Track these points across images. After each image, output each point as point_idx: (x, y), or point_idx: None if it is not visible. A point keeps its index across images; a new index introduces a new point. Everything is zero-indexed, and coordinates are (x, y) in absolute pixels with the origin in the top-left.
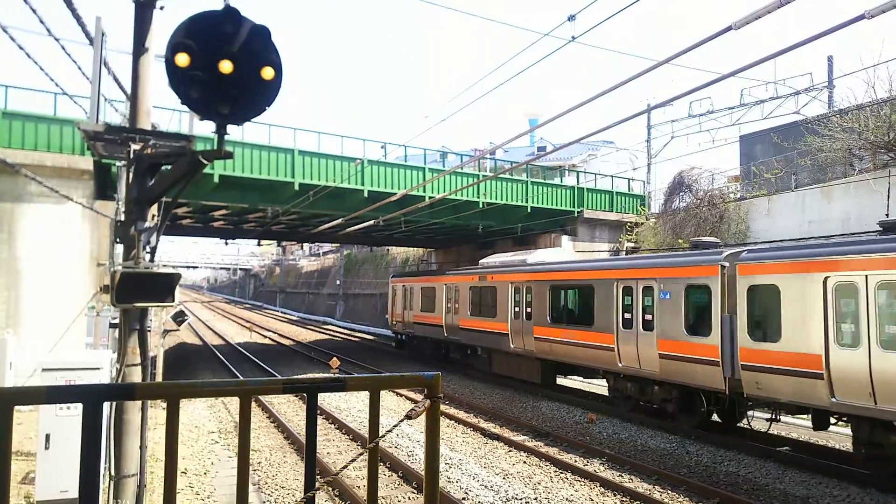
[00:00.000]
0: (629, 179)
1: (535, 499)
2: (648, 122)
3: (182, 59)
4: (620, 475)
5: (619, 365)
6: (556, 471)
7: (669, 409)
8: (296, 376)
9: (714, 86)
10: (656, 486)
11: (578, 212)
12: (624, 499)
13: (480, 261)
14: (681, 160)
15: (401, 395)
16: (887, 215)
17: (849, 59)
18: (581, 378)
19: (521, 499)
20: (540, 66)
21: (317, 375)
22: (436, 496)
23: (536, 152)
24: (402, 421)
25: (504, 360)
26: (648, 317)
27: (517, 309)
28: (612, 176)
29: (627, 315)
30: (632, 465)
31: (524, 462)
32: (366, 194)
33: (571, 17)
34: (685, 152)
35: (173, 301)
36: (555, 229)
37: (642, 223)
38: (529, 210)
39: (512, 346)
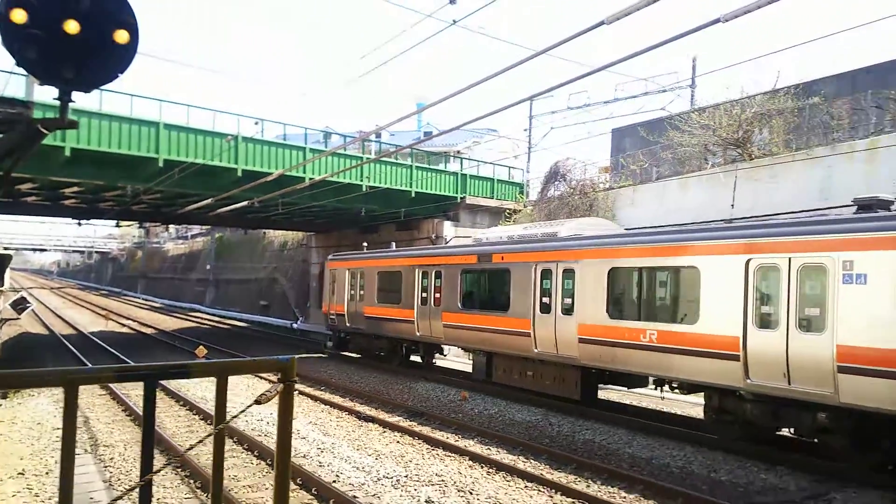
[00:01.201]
0: (509, 168)
1: (407, 475)
2: (530, 112)
3: (18, 15)
4: (489, 448)
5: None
6: (428, 448)
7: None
8: (134, 364)
9: (592, 81)
10: (520, 457)
11: (461, 198)
12: (490, 470)
13: (496, 234)
14: (558, 150)
15: (269, 381)
16: (732, 206)
17: (712, 60)
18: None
19: (392, 477)
20: (427, 51)
21: (157, 364)
22: (287, 475)
23: (423, 136)
24: (250, 406)
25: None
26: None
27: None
28: (493, 163)
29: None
30: (499, 438)
31: (397, 442)
32: (240, 173)
33: (452, 1)
34: (563, 142)
35: (1, 285)
36: (438, 215)
37: (520, 210)
38: (413, 195)
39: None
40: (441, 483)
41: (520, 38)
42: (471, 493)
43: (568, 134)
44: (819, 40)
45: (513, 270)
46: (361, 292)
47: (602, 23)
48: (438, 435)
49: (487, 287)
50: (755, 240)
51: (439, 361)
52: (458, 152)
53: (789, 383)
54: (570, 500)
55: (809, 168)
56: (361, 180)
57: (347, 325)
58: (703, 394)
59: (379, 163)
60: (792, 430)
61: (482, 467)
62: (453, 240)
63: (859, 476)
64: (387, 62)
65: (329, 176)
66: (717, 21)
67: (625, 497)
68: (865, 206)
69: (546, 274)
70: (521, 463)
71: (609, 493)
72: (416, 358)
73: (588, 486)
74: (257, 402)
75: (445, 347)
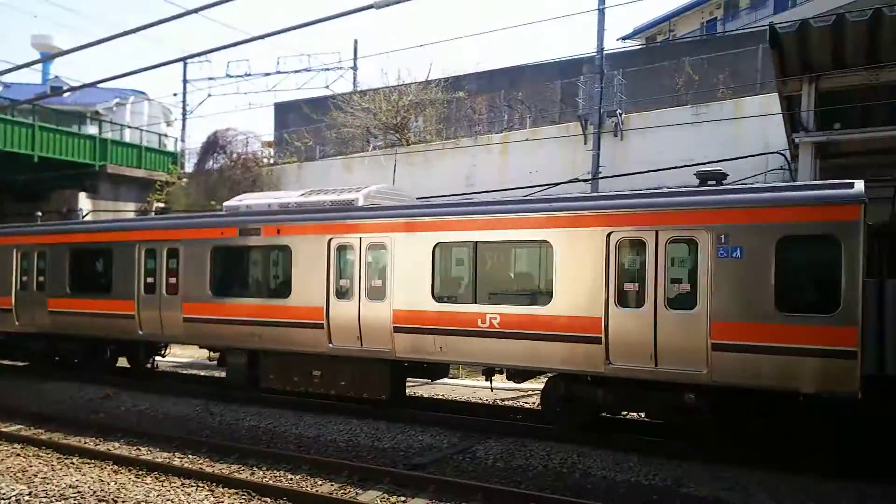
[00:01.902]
0: (161, 135)
1: (31, 493)
2: (184, 76)
3: None
4: (138, 449)
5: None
6: (59, 458)
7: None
8: None
9: (253, 51)
10: (176, 453)
11: (101, 166)
12: (140, 472)
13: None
14: (219, 120)
15: None
16: (393, 183)
17: (374, 45)
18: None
19: (8, 497)
20: None
21: None
22: None
23: (50, 92)
24: None
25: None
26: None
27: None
28: (141, 129)
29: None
30: (151, 437)
31: (18, 455)
32: None
33: None
34: (222, 111)
35: None
36: (71, 184)
37: (174, 182)
38: (37, 160)
39: None
40: (77, 496)
41: None
42: (115, 502)
43: (228, 103)
44: (468, 37)
45: (296, 247)
46: (41, 279)
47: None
48: (73, 441)
49: (257, 268)
50: (618, 211)
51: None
52: (98, 113)
53: (656, 365)
54: (232, 490)
55: (458, 156)
56: None
57: (17, 323)
58: (544, 380)
59: None
60: (645, 413)
61: (129, 471)
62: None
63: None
64: None
65: None
66: (370, 7)
67: (291, 478)
68: (708, 178)
69: (345, 250)
70: (178, 460)
71: (275, 476)
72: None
73: (252, 474)
74: None
75: (178, 347)
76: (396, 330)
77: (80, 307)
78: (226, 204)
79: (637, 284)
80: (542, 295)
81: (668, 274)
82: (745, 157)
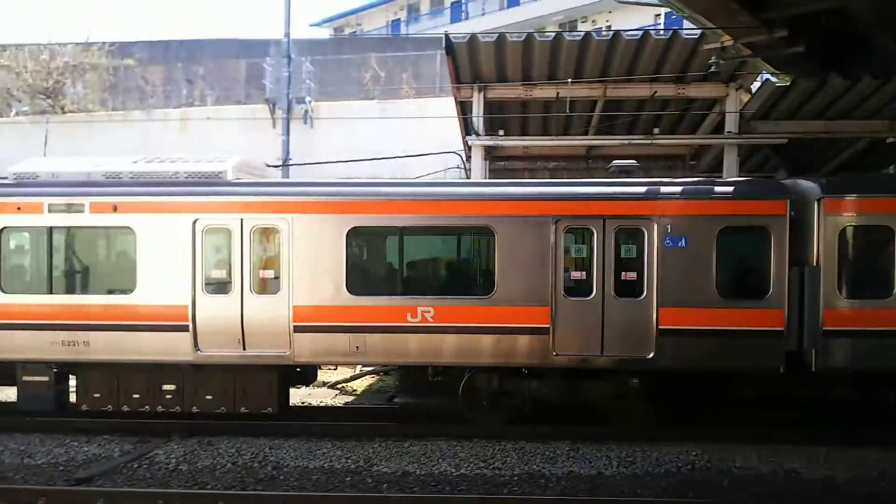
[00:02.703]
0: None
1: None
2: None
3: None
4: None
5: None
6: None
7: None
8: None
9: None
10: None
11: None
12: None
13: None
14: None
15: None
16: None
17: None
18: None
19: None
20: None
21: None
22: None
23: None
24: None
25: None
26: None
27: None
28: None
29: None
30: None
31: None
32: None
33: None
34: None
35: None
36: None
37: None
38: None
39: None
40: None
41: None
42: None
43: None
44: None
45: (142, 229)
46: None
47: None
48: None
49: (77, 256)
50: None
51: None
52: None
53: (602, 352)
54: None
55: (128, 130)
56: None
57: None
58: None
59: None
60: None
61: None
62: None
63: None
64: None
65: None
66: None
67: None
68: (624, 170)
69: (218, 234)
70: None
71: None
72: None
73: None
74: None
75: None
76: (297, 329)
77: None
78: (12, 169)
79: (584, 273)
80: (481, 286)
81: (617, 262)
82: (427, 154)
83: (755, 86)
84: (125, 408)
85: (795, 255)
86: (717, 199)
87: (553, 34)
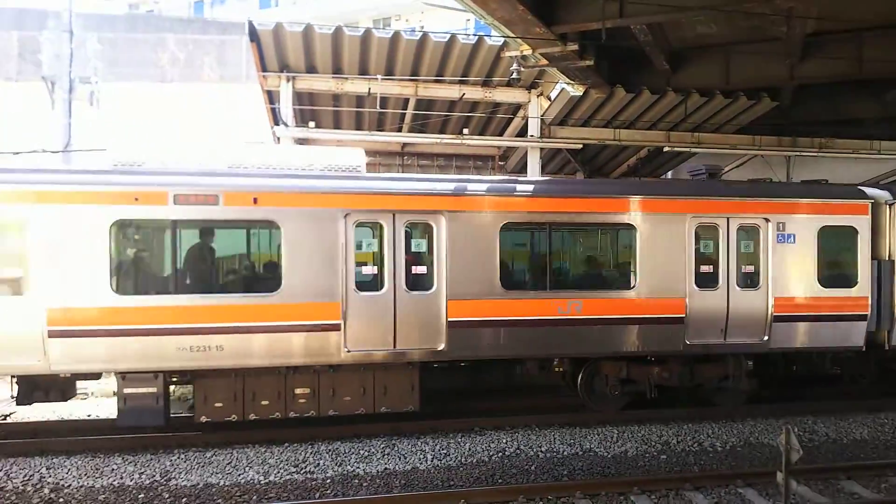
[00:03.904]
0: None
1: None
2: None
3: None
4: None
5: None
6: None
7: None
8: None
9: None
10: None
11: None
12: None
13: None
14: None
15: None
16: None
17: None
18: None
19: None
20: None
21: None
22: None
23: None
24: None
25: None
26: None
27: None
28: None
29: None
30: None
31: None
32: None
33: None
34: None
35: None
36: None
37: None
38: None
39: None
40: None
41: None
42: None
43: None
44: None
45: (287, 223)
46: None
47: None
48: None
49: (206, 252)
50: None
51: None
52: None
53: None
54: None
55: None
56: None
57: None
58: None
59: None
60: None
61: None
62: None
63: None
64: None
65: None
66: None
67: None
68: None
69: (366, 227)
70: None
71: None
72: None
73: None
74: None
75: None
76: (450, 325)
77: None
78: (111, 157)
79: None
80: (625, 279)
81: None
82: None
83: (554, 93)
84: (252, 416)
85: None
86: (817, 201)
87: (363, 29)
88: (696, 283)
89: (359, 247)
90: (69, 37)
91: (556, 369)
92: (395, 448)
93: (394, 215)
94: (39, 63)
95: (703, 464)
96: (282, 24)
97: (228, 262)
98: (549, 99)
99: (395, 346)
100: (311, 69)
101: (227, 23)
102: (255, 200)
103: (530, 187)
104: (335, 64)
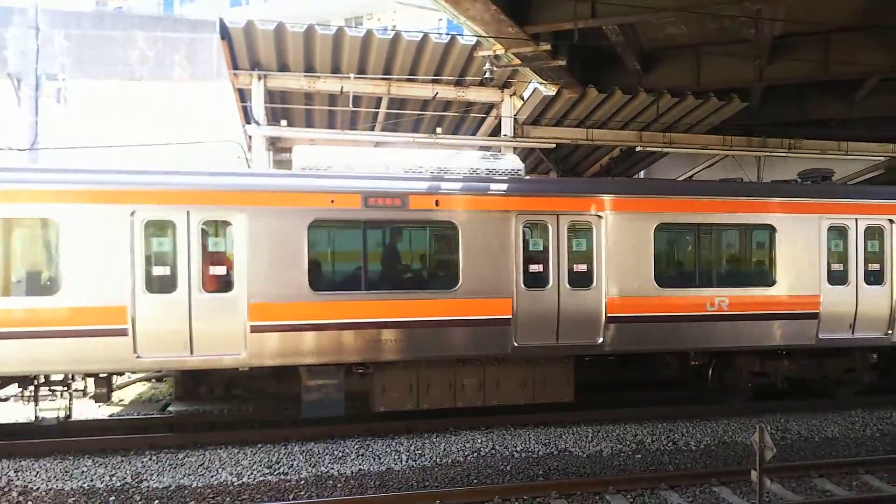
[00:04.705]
0: None
1: None
2: None
3: None
4: None
5: None
6: None
7: None
8: None
9: None
10: None
11: None
12: None
13: None
14: None
15: None
16: None
17: None
18: None
19: None
20: None
21: None
22: None
23: None
24: None
25: None
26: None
27: None
28: None
29: None
30: None
31: None
32: None
33: None
34: None
35: None
36: None
37: None
38: None
39: None
40: None
41: None
42: None
43: None
44: None
45: (463, 225)
46: None
47: None
48: None
49: (393, 251)
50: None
51: None
52: None
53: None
54: None
55: None
56: None
57: None
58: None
59: None
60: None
61: None
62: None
63: None
64: None
65: None
66: None
67: None
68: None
69: (537, 228)
70: None
71: None
72: None
73: None
74: None
75: None
76: (610, 321)
77: None
78: (299, 162)
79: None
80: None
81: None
82: (203, 142)
83: (527, 93)
84: (425, 405)
85: None
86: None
87: (335, 28)
88: (828, 280)
89: (526, 246)
90: (35, 33)
91: (693, 363)
92: (370, 448)
93: (558, 217)
94: (5, 60)
95: (678, 463)
96: (253, 23)
97: (411, 261)
98: (522, 98)
99: (557, 341)
100: (283, 67)
101: (197, 20)
102: (437, 203)
103: (684, 187)
104: (307, 62)
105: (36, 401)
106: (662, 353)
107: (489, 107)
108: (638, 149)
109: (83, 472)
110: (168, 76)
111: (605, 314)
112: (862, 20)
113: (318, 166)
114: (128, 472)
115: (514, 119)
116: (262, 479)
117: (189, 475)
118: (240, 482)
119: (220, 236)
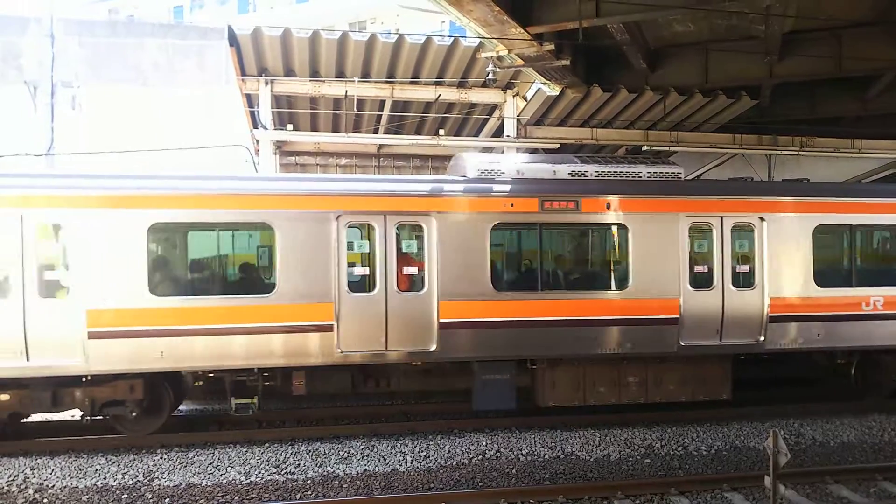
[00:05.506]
0: None
1: None
2: None
3: None
4: None
5: None
6: None
7: None
8: None
9: None
10: None
11: None
12: None
13: None
14: None
15: None
16: None
17: None
18: None
19: None
20: None
21: None
22: None
23: None
24: None
25: None
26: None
27: None
28: None
29: None
30: None
31: None
32: None
33: None
34: None
35: None
36: None
37: None
38: None
39: None
40: None
41: None
42: None
43: None
44: None
45: (634, 226)
46: None
47: None
48: None
49: (567, 252)
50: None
51: None
52: None
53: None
54: None
55: None
56: None
57: None
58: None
59: None
60: None
61: None
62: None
63: None
64: None
65: None
66: None
67: None
68: None
69: (702, 231)
70: None
71: None
72: None
73: None
74: None
75: None
76: (772, 320)
77: None
78: (477, 167)
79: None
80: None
81: None
82: (212, 147)
83: (531, 93)
84: (592, 401)
85: None
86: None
87: (340, 32)
88: None
89: (692, 247)
90: (51, 41)
91: (840, 361)
92: (375, 449)
93: (722, 219)
94: (21, 68)
95: (689, 468)
96: (260, 29)
97: (584, 262)
98: (525, 99)
99: (721, 340)
100: (289, 72)
101: (206, 28)
102: (608, 206)
103: (840, 190)
104: (312, 67)
105: (232, 394)
106: (818, 351)
107: (492, 108)
108: (644, 148)
109: (97, 469)
110: (178, 82)
111: (768, 314)
112: (875, 15)
113: (491, 171)
114: (140, 470)
115: (517, 120)
116: (269, 478)
117: (199, 473)
118: (248, 481)
119: (413, 239)
